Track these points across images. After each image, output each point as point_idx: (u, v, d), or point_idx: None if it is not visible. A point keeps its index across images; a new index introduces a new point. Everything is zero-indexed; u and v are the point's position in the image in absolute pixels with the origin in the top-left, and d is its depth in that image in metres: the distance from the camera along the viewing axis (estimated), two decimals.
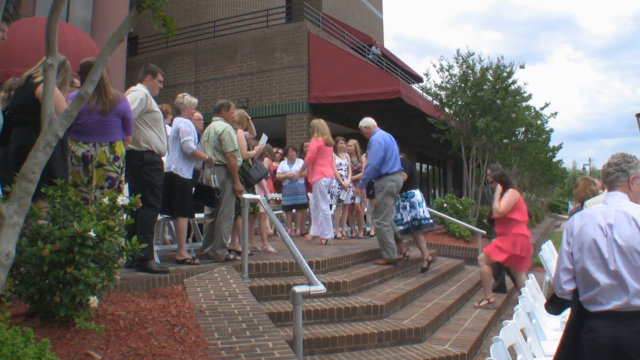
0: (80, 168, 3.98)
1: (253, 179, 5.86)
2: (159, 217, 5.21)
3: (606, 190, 2.67)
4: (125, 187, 4.43)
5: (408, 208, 6.81)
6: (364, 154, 9.35)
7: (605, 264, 2.39)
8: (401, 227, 6.80)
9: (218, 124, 5.50)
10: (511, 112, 13.65)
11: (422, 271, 6.76)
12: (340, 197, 8.24)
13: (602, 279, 2.38)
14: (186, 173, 5.14)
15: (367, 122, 6.76)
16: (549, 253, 7.65)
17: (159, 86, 4.83)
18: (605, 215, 2.48)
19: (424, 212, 6.86)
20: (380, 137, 6.52)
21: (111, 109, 4.04)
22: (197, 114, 6.07)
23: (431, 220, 7.09)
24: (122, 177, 4.13)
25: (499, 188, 6.14)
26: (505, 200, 5.99)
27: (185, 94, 5.50)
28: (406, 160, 7.38)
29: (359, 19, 25.92)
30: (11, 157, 3.59)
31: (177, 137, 5.13)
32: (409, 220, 6.78)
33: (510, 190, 6.05)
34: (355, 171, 8.61)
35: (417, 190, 6.99)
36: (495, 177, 6.24)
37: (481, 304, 6.09)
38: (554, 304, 2.78)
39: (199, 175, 5.26)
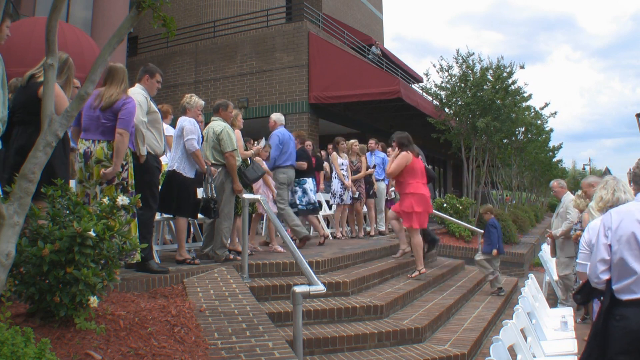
0: (82, 165, 4.07)
1: (249, 179, 5.85)
2: (159, 217, 5.21)
3: (632, 191, 3.01)
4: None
5: (300, 193, 7.32)
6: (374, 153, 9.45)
7: None
8: (294, 210, 7.19)
9: (216, 124, 5.49)
10: (511, 112, 13.65)
11: (320, 244, 7.21)
12: (343, 197, 8.26)
13: (639, 268, 2.60)
14: (188, 172, 5.12)
15: (278, 117, 7.24)
16: (549, 253, 7.65)
17: (157, 86, 4.80)
18: None
19: (314, 198, 7.45)
20: (280, 132, 6.95)
21: (109, 107, 4.06)
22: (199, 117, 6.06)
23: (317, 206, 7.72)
24: (125, 175, 4.14)
25: (396, 151, 6.41)
26: (395, 162, 6.28)
27: (192, 94, 5.49)
28: (306, 151, 7.84)
29: (359, 19, 25.92)
30: (12, 157, 3.59)
31: (181, 135, 5.11)
32: (303, 203, 7.29)
33: (402, 153, 6.29)
34: (355, 171, 8.60)
35: (311, 178, 7.50)
36: (396, 140, 6.48)
37: (413, 275, 6.30)
38: (584, 294, 3.06)
39: (202, 176, 5.23)
